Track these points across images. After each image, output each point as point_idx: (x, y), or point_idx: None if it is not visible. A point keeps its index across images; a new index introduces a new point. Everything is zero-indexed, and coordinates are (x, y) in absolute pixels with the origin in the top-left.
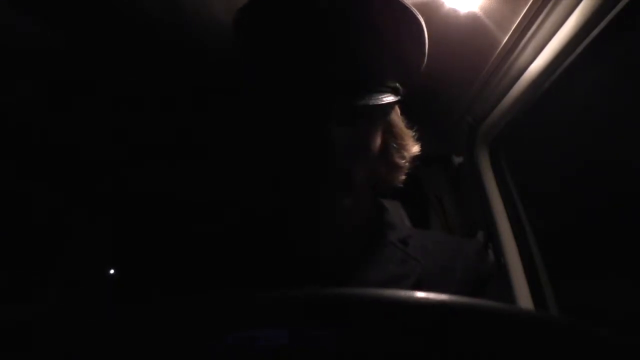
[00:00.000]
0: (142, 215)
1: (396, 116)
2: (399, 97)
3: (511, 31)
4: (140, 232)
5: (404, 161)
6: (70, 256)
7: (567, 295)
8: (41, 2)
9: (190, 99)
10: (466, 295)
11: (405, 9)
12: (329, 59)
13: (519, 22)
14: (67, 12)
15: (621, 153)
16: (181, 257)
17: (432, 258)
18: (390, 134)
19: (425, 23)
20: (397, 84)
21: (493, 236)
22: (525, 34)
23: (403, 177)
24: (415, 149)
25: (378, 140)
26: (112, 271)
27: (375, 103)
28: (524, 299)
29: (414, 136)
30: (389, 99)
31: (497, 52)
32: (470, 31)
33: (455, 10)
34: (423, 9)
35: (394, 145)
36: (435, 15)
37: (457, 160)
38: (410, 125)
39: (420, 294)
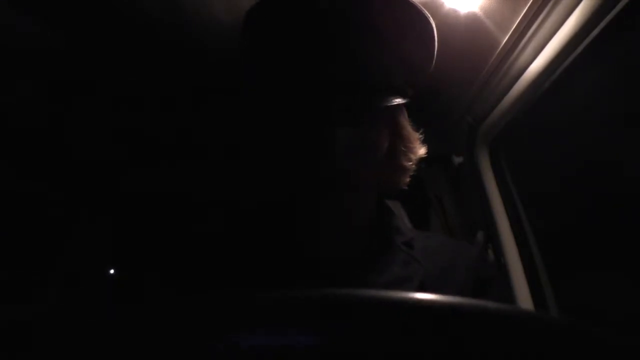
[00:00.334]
0: (143, 215)
1: (404, 118)
2: (406, 99)
3: (511, 31)
4: (140, 232)
5: (410, 163)
6: (70, 256)
7: (567, 295)
8: (41, 2)
9: (190, 99)
10: (467, 296)
11: (410, 9)
12: (329, 60)
13: (519, 22)
14: (67, 12)
15: (621, 153)
16: (180, 257)
17: (433, 260)
18: (398, 136)
19: None
20: (404, 86)
21: (493, 236)
22: (525, 34)
23: (408, 179)
24: (422, 151)
25: (384, 142)
26: (112, 271)
27: (378, 104)
28: (524, 299)
29: (420, 138)
30: (393, 100)
31: (497, 52)
32: (470, 31)
33: (455, 10)
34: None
35: (402, 147)
36: (435, 15)
37: (457, 160)
38: (416, 127)
39: (419, 295)
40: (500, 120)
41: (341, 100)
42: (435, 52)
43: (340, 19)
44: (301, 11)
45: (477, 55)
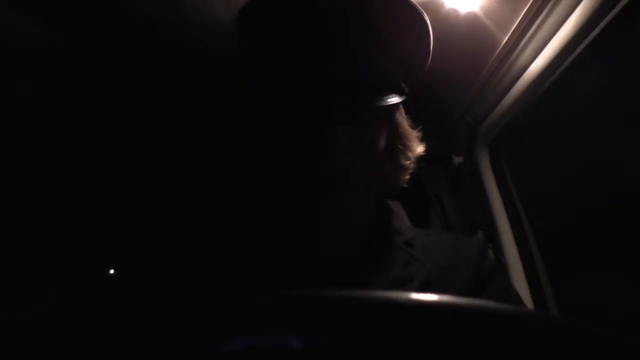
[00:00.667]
0: (143, 215)
1: (401, 117)
2: (404, 98)
3: (511, 31)
4: (140, 232)
5: (409, 162)
6: (70, 256)
7: (567, 295)
8: (41, 2)
9: (190, 99)
10: (468, 293)
11: (408, 9)
12: (328, 59)
13: (519, 22)
14: (67, 12)
15: (621, 153)
16: (180, 257)
17: (433, 259)
18: (396, 134)
19: None
20: (402, 84)
21: (493, 236)
22: (525, 34)
23: (407, 177)
24: (420, 149)
25: (383, 141)
26: (112, 271)
27: (377, 103)
28: (524, 299)
29: (418, 136)
30: (392, 99)
31: (497, 52)
32: (470, 31)
33: (455, 10)
34: (423, 9)
35: (400, 146)
36: (435, 15)
37: (457, 160)
38: (413, 125)
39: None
40: (500, 120)
41: (341, 99)
42: (431, 50)
43: (340, 19)
44: (301, 11)
45: (477, 55)
